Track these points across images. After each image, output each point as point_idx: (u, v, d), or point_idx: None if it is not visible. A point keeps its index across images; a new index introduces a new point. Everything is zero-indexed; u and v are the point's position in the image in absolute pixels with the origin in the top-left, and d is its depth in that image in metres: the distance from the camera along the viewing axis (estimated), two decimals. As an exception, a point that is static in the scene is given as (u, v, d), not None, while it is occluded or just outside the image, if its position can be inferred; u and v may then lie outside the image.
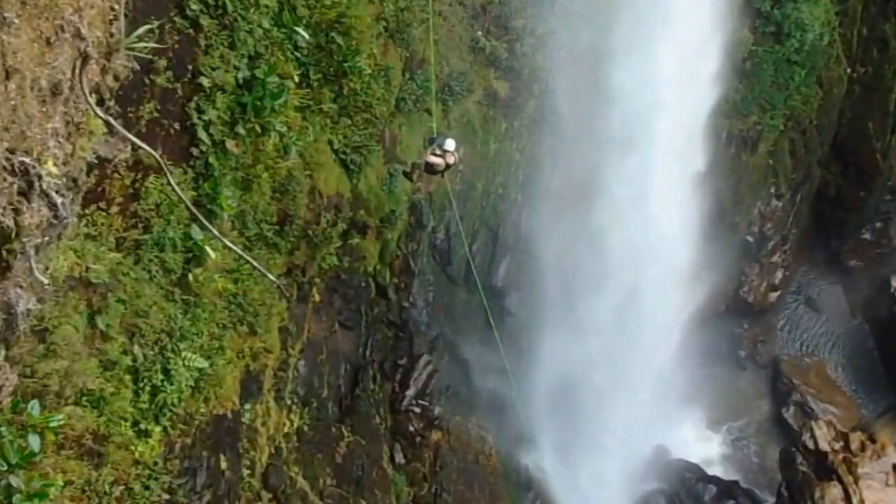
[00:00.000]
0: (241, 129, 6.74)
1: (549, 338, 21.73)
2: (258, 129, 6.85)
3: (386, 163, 14.02)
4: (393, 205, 14.53)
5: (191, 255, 6.53)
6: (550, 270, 23.25)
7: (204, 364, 6.60)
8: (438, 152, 11.56)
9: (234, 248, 6.35)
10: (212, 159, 6.58)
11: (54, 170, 2.94)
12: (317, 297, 12.20)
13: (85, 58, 3.00)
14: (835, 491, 14.93)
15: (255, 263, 6.71)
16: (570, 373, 21.10)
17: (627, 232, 19.67)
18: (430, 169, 11.73)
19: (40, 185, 2.84)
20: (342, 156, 11.40)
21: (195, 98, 6.42)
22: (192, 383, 6.66)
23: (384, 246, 15.60)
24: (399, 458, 15.71)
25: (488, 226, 24.63)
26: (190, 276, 6.67)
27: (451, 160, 11.56)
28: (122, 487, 6.13)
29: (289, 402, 10.82)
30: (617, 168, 19.24)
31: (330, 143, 10.98)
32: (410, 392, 17.14)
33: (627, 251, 19.98)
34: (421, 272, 19.39)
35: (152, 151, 4.74)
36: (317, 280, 11.90)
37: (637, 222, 19.52)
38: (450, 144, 11.44)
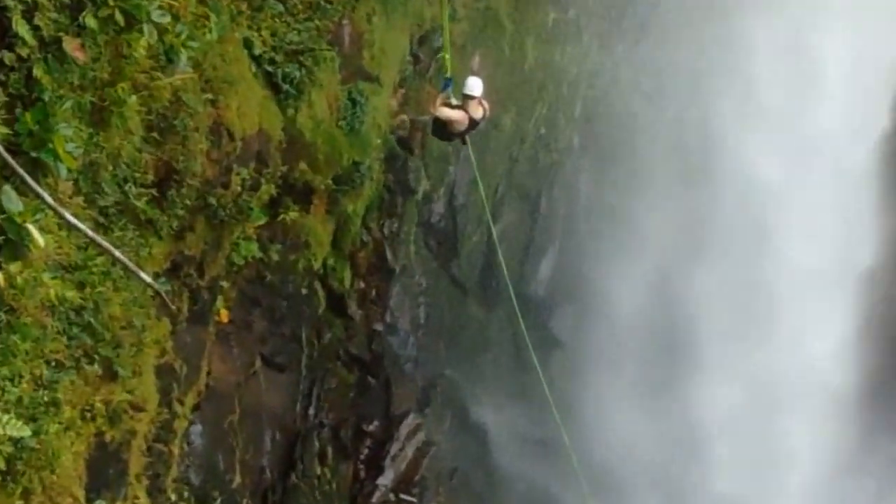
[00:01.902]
0: (89, 20, 6.53)
1: (633, 394, 23.08)
2: (120, 18, 6.65)
3: (345, 80, 14.03)
4: (357, 153, 14.59)
5: (1, 239, 6.41)
6: (634, 273, 24.33)
7: (23, 432, 6.44)
8: (456, 102, 11.92)
9: (78, 225, 6.16)
10: (39, 71, 6.40)
11: None
12: (224, 314, 12.28)
13: None
14: None
15: (115, 253, 6.53)
16: (671, 461, 22.59)
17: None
18: (443, 130, 12.09)
19: None
20: (268, 68, 11.46)
21: (8, -38, 6.30)
22: (1, 466, 6.54)
23: (341, 225, 15.72)
24: None
25: (522, 192, 25.09)
26: (0, 277, 6.56)
27: (477, 114, 11.85)
28: None
29: (173, 497, 10.88)
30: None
31: (247, 44, 11.03)
32: (386, 479, 17.20)
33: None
34: (405, 271, 19.54)
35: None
36: (224, 284, 11.99)
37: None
38: (474, 86, 11.75)
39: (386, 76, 15.43)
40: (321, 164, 13.65)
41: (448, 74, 11.94)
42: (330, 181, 14.09)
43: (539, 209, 25.82)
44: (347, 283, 16.78)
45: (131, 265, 6.94)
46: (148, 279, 7.15)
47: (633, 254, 24.69)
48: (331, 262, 16.07)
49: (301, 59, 11.85)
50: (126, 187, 8.45)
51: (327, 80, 13.16)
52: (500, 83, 20.86)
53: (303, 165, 13.23)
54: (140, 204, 8.70)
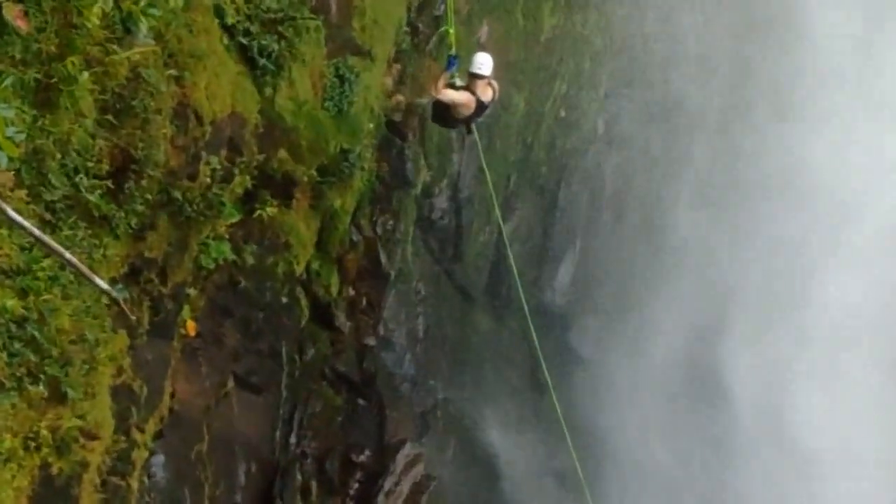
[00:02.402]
0: (34, -18, 6.56)
1: (658, 426, 24.19)
2: (70, -19, 6.68)
3: (332, 54, 14.10)
4: (346, 139, 14.62)
5: (-69, 238, 6.42)
6: (671, 284, 24.86)
7: (-42, 462, 6.44)
8: (461, 82, 12.00)
9: (21, 222, 6.13)
10: (-27, 43, 6.42)
11: None
12: (191, 327, 12.24)
13: None
14: None
15: (64, 255, 6.52)
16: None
17: None
18: (445, 115, 12.16)
19: None
20: (243, 39, 11.45)
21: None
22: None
23: (327, 223, 15.75)
24: None
25: (538, 184, 25.19)
26: (-70, 283, 6.55)
27: (485, 96, 11.93)
28: None
29: (132, 539, 10.78)
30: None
31: (218, 12, 11.03)
32: (379, 517, 17.20)
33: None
34: (402, 276, 19.58)
35: None
36: (190, 291, 11.97)
37: None
38: (483, 64, 11.76)
39: (379, 49, 15.43)
40: (304, 152, 13.62)
41: (452, 51, 11.94)
42: (314, 172, 14.10)
43: (557, 204, 25.94)
44: (335, 290, 16.80)
45: (83, 269, 6.91)
46: (103, 285, 7.13)
47: (669, 259, 24.85)
48: (315, 265, 16.09)
49: (281, 29, 11.83)
50: (77, 179, 8.36)
51: (311, 54, 13.14)
52: (512, 57, 20.90)
53: (282, 153, 13.22)
54: (93, 198, 8.61)
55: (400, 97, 16.98)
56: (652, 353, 25.22)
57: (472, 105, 11.90)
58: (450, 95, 11.82)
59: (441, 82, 11.79)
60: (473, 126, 12.57)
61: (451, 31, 11.93)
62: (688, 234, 26.62)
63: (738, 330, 27.48)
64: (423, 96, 14.00)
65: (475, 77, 11.81)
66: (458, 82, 12.01)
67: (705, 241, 26.49)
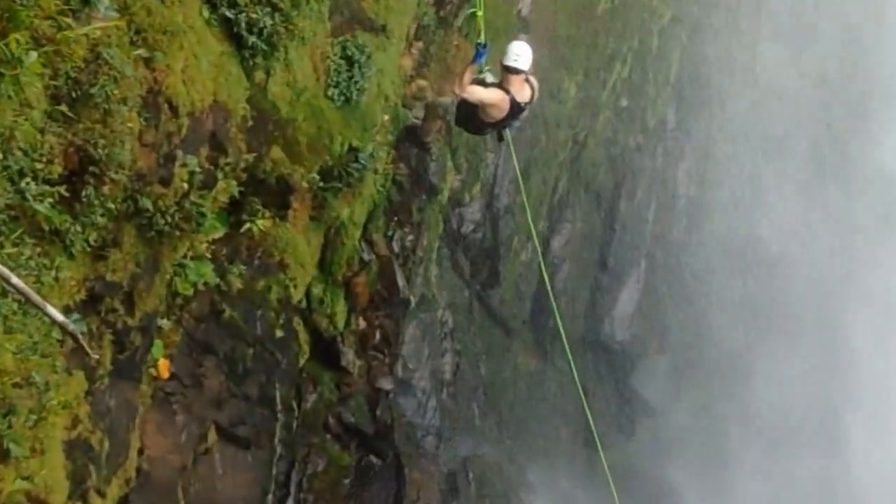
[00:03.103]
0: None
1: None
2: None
3: (338, 30, 14.17)
4: (355, 135, 14.65)
5: None
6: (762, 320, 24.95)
7: None
8: (492, 78, 12.04)
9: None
10: None
11: None
12: (163, 366, 12.31)
13: None
14: None
15: (10, 278, 6.59)
16: None
17: None
18: (472, 118, 12.17)
19: None
20: (228, 12, 11.48)
21: None
22: None
23: (332, 238, 15.81)
24: None
25: (593, 189, 25.08)
26: None
27: (521, 95, 11.93)
28: None
29: None
30: None
31: (199, -22, 11.08)
32: None
33: None
34: (424, 304, 19.55)
35: None
36: (163, 322, 12.02)
37: None
38: (520, 55, 11.66)
39: (396, 24, 15.46)
40: (303, 151, 13.63)
41: (481, 38, 11.81)
42: (315, 175, 14.10)
43: (617, 215, 25.83)
44: (341, 320, 16.81)
45: (32, 295, 6.93)
46: (57, 315, 7.13)
47: (763, 284, 24.85)
48: (317, 290, 16.12)
49: (273, -1, 11.82)
50: (22, 184, 8.33)
51: (312, 29, 13.11)
52: (562, 32, 20.88)
53: (277, 153, 13.23)
54: (42, 208, 8.56)
55: (422, 83, 16.98)
56: (741, 404, 25.07)
57: (506, 106, 11.82)
58: (478, 94, 11.75)
59: (467, 77, 11.69)
60: (507, 132, 12.49)
61: (480, 13, 11.76)
62: (786, 253, 26.55)
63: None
64: (443, 94, 13.89)
65: (510, 72, 11.73)
66: (489, 78, 11.95)
67: (811, 267, 26.53)
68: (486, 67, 12.06)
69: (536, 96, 12.23)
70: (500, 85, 11.83)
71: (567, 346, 15.47)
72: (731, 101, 27.59)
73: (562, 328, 15.85)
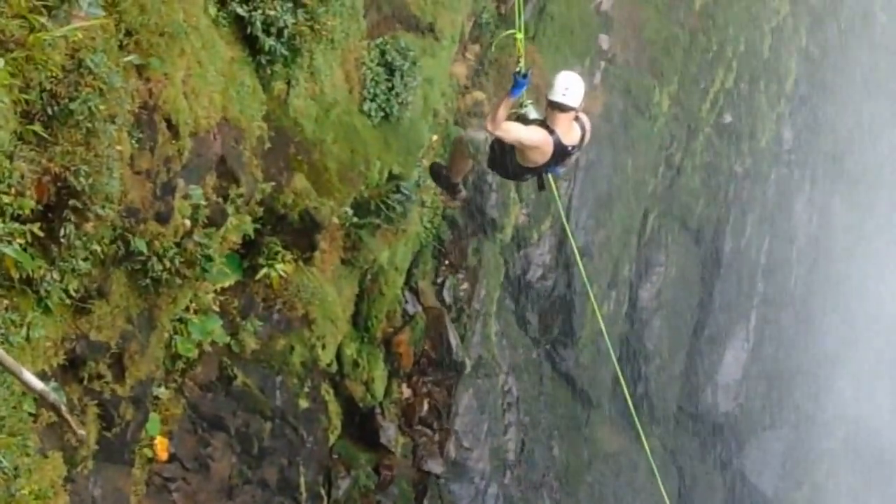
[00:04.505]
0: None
1: None
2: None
3: (375, 30, 14.29)
4: (397, 160, 14.77)
5: None
6: None
7: None
8: (534, 114, 12.01)
9: None
10: None
11: None
12: (161, 446, 12.28)
13: None
14: None
15: None
16: None
17: None
18: (509, 160, 12.10)
19: None
20: (240, 9, 11.56)
21: None
22: None
23: (369, 286, 15.89)
24: None
25: (690, 227, 24.93)
26: None
27: (570, 137, 11.87)
28: None
29: None
30: None
31: (205, -31, 11.15)
32: None
33: None
34: (482, 368, 19.50)
35: None
36: (161, 391, 12.03)
37: None
38: (568, 88, 11.58)
39: (447, 22, 15.49)
40: (332, 180, 13.68)
41: (521, 66, 11.59)
42: (348, 209, 14.19)
43: (720, 257, 25.66)
44: (380, 388, 16.84)
45: (4, 357, 7.03)
46: (34, 382, 7.17)
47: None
48: (351, 351, 16.15)
49: (294, -5, 11.91)
50: (-4, 221, 8.36)
51: (344, 30, 13.19)
52: (651, 33, 20.81)
53: (300, 182, 13.24)
54: (10, 251, 8.51)
55: (479, 95, 16.96)
56: (882, 495, 24.77)
57: (548, 149, 11.70)
58: (515, 133, 11.60)
59: (502, 111, 11.54)
60: (549, 178, 12.39)
61: (520, 35, 11.70)
62: None
63: None
64: (476, 129, 13.82)
65: (556, 108, 11.59)
66: (532, 113, 11.89)
67: None
68: (528, 101, 11.97)
69: (588, 138, 12.11)
70: (544, 123, 11.75)
71: (634, 414, 15.39)
72: (866, 117, 27.33)
73: (626, 388, 15.75)
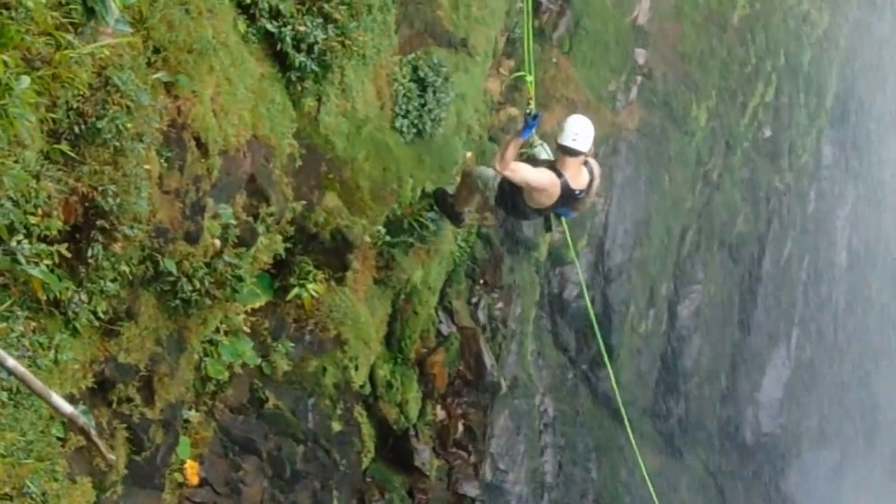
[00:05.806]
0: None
1: None
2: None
3: (408, 46, 14.30)
4: (429, 178, 14.79)
5: None
6: None
7: None
8: (545, 155, 12.32)
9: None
10: None
11: None
12: (191, 470, 12.27)
13: None
14: None
15: (5, 360, 6.56)
16: None
17: None
18: (515, 201, 12.39)
19: None
20: (270, 25, 11.59)
21: None
22: None
23: (402, 307, 15.90)
24: None
25: (730, 246, 24.86)
26: None
27: (578, 181, 12.06)
28: None
29: None
30: None
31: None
32: None
33: None
34: (518, 388, 19.54)
35: None
36: (191, 415, 12.08)
37: None
38: (579, 133, 11.75)
39: (480, 38, 15.52)
40: (365, 198, 13.68)
41: (531, 107, 11.94)
42: (380, 228, 14.18)
43: (760, 274, 25.57)
44: (414, 410, 16.81)
45: (33, 381, 6.93)
46: (64, 406, 7.07)
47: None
48: (384, 372, 16.15)
49: (328, 7, 11.88)
50: (12, 242, 8.31)
51: (375, 46, 13.18)
52: (688, 46, 20.77)
53: (332, 200, 13.26)
54: (37, 272, 8.50)
55: (513, 111, 16.96)
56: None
57: (555, 192, 11.90)
58: (523, 174, 11.80)
59: (510, 151, 11.72)
60: (556, 222, 12.50)
61: (531, 77, 11.99)
62: None
63: None
64: (485, 166, 13.96)
65: (566, 153, 11.84)
66: (542, 154, 12.07)
67: None
68: (539, 141, 12.19)
69: (597, 184, 12.32)
70: (552, 165, 11.85)
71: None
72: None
73: (623, 410, 15.71)
